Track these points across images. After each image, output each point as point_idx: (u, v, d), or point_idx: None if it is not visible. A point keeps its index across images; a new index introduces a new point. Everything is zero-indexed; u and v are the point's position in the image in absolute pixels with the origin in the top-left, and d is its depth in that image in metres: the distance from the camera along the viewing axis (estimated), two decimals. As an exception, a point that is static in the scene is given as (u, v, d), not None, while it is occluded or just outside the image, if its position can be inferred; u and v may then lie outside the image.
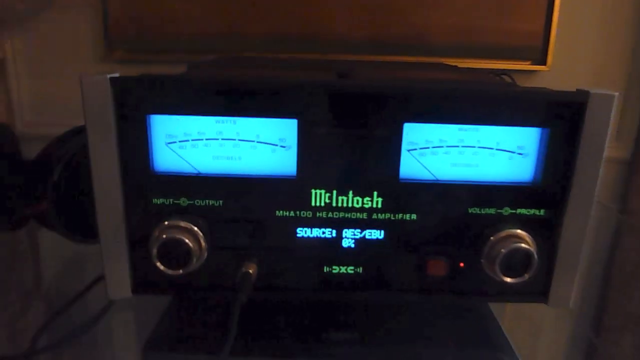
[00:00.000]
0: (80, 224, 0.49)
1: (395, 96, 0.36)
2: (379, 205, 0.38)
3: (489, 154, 0.38)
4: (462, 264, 0.39)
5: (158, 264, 0.36)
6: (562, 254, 0.38)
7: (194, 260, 0.36)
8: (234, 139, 0.37)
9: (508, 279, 0.37)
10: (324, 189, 0.38)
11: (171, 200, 0.37)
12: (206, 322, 0.45)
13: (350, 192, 0.38)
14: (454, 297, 0.40)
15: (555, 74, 0.84)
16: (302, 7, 0.81)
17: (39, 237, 0.65)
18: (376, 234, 0.39)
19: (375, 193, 0.38)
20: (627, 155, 0.89)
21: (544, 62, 0.83)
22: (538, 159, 0.38)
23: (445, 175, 0.38)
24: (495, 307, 0.48)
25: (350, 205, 0.38)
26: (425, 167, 0.38)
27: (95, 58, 0.85)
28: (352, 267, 0.39)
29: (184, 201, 0.38)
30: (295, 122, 0.36)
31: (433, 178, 0.38)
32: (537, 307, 0.42)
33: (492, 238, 0.37)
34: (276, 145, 0.37)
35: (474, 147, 0.37)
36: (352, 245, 0.39)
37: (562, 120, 0.36)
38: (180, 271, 0.36)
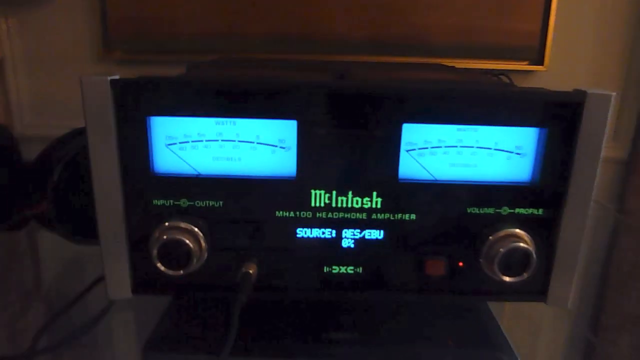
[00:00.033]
0: (80, 224, 0.49)
1: (394, 97, 0.36)
2: (379, 206, 0.38)
3: (487, 154, 0.38)
4: (461, 264, 0.39)
5: (158, 264, 0.36)
6: (561, 253, 0.39)
7: (194, 260, 0.36)
8: (234, 140, 0.37)
9: (507, 278, 0.37)
10: (323, 189, 0.38)
11: (171, 201, 0.38)
12: (206, 322, 0.45)
13: (350, 193, 0.38)
14: (453, 297, 0.40)
15: (552, 74, 0.84)
16: (301, 8, 0.81)
17: (39, 238, 0.65)
18: (375, 234, 0.39)
19: (374, 193, 0.38)
20: (625, 155, 0.89)
21: (541, 63, 0.83)
22: (536, 158, 0.38)
23: (444, 176, 0.38)
24: (494, 307, 0.49)
25: (349, 205, 0.38)
26: (424, 168, 0.38)
27: (93, 58, 0.84)
28: (351, 267, 0.40)
29: (184, 202, 0.38)
30: (294, 123, 0.36)
31: (432, 178, 0.38)
32: (536, 306, 0.42)
33: (490, 237, 0.38)
34: (276, 146, 0.37)
35: (472, 147, 0.38)
36: (352, 246, 0.39)
37: (559, 120, 0.37)
38: (181, 272, 0.36)
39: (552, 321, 0.52)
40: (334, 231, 0.39)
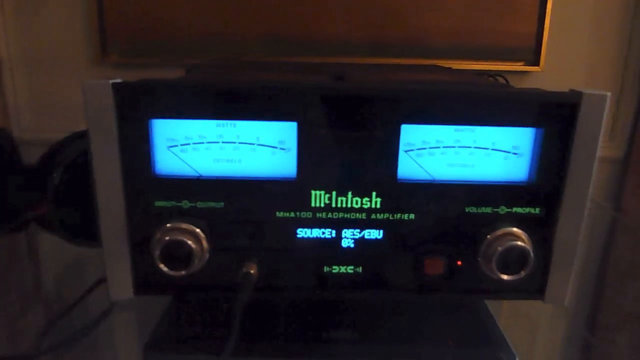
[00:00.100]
0: (80, 227, 0.49)
1: (393, 98, 0.37)
2: (378, 206, 0.39)
3: (484, 154, 0.38)
4: (459, 263, 0.40)
5: (161, 265, 0.36)
6: (558, 251, 0.39)
7: (196, 261, 0.37)
8: (234, 142, 0.38)
9: (505, 277, 0.38)
10: (323, 190, 0.38)
11: (173, 202, 0.38)
12: (207, 322, 0.45)
13: (350, 193, 0.38)
14: (452, 295, 0.41)
15: (548, 75, 0.85)
16: (299, 10, 0.81)
17: (39, 240, 0.65)
18: (375, 234, 0.39)
19: (373, 193, 0.38)
20: (621, 154, 0.90)
21: (537, 63, 0.84)
22: (533, 158, 0.38)
23: (442, 176, 0.38)
24: (492, 305, 0.49)
25: (349, 205, 0.38)
26: (423, 168, 0.38)
27: (90, 61, 0.84)
28: (351, 267, 0.40)
29: (185, 203, 0.38)
30: (294, 124, 0.37)
31: (430, 178, 0.38)
32: (534, 304, 0.42)
33: (488, 236, 0.38)
34: (276, 147, 0.38)
35: (470, 147, 0.38)
36: (352, 245, 0.39)
37: (555, 120, 0.37)
38: (183, 272, 0.37)
39: (549, 319, 0.53)
40: (333, 231, 0.39)
